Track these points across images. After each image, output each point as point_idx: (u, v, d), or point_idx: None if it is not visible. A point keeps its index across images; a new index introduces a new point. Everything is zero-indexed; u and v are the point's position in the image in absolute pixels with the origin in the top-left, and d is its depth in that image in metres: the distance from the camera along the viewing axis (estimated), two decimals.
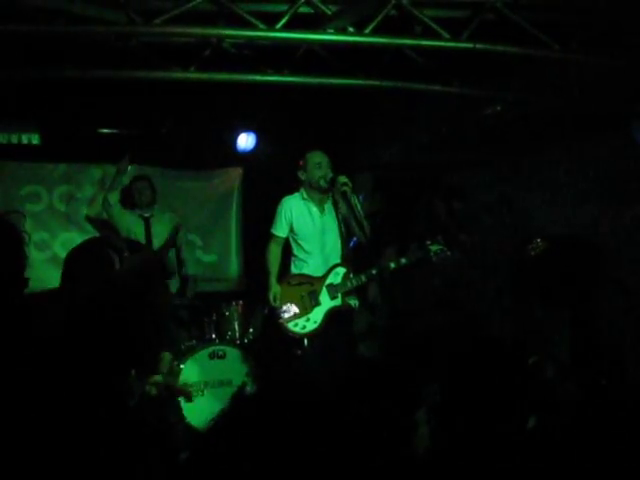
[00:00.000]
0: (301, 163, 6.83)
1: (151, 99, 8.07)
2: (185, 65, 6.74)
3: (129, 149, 8.24)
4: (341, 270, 6.74)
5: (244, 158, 9.83)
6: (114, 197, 8.05)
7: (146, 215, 8.11)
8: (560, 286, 7.09)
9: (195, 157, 9.70)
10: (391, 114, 8.93)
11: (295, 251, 6.87)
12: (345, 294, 6.74)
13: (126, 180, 8.26)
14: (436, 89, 7.20)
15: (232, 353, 7.46)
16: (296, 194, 6.87)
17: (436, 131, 8.84)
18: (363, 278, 6.75)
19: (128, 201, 8.23)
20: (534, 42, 6.04)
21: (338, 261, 6.78)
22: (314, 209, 6.79)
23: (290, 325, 6.68)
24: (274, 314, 6.76)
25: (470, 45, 5.92)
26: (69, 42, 6.29)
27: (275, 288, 6.74)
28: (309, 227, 6.79)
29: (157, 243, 8.00)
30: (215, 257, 9.90)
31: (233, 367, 7.39)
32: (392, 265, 6.75)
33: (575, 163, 7.83)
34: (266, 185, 9.70)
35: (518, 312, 7.20)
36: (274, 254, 6.84)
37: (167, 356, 6.03)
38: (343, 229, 6.79)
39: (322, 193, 6.77)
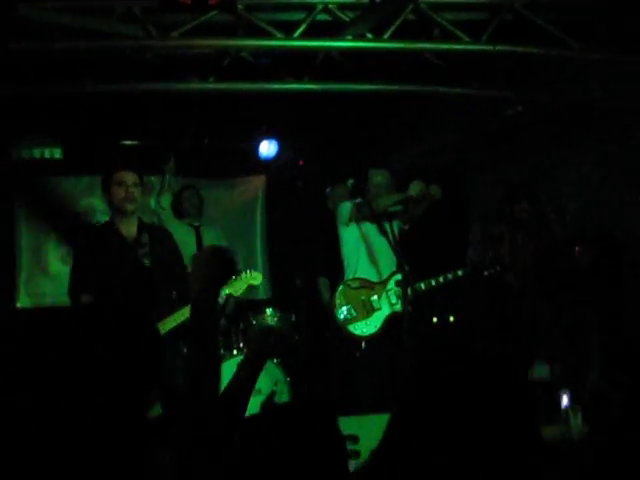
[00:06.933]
0: None
1: (172, 110, 8.07)
2: (204, 76, 6.75)
3: (168, 153, 8.03)
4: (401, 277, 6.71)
5: (267, 166, 9.81)
6: (166, 200, 7.84)
7: (196, 224, 8.06)
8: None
9: (217, 166, 9.71)
10: (412, 117, 8.90)
11: None
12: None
13: (174, 183, 8.03)
14: (456, 91, 7.16)
15: None
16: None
17: (457, 132, 8.81)
18: (423, 286, 6.67)
19: (177, 210, 8.08)
20: (554, 42, 6.00)
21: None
22: None
23: (350, 327, 6.69)
24: (331, 317, 6.77)
25: (490, 47, 5.89)
26: (88, 57, 6.33)
27: None
28: None
29: None
30: (241, 266, 9.88)
31: (262, 376, 7.34)
32: (449, 276, 6.68)
33: (599, 160, 7.81)
34: (289, 192, 9.70)
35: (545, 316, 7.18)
36: None
37: None
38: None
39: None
